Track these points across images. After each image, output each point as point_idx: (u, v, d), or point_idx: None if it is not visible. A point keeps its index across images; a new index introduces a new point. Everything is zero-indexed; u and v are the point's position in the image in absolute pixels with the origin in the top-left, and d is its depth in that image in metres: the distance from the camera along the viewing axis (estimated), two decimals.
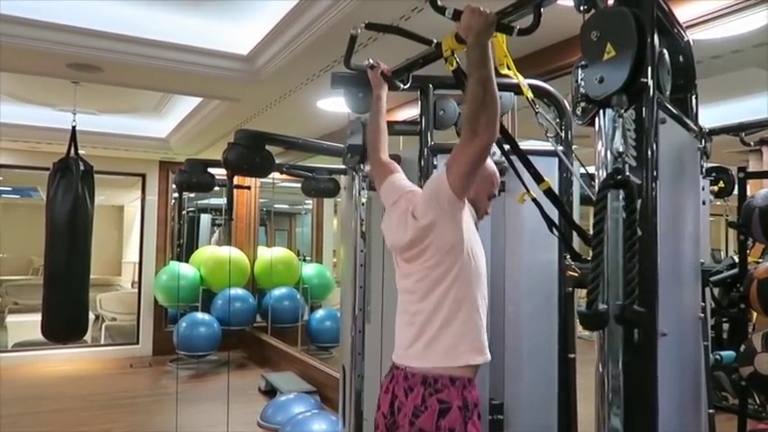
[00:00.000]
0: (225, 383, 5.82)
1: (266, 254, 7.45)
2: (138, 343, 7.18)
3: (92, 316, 6.20)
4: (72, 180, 4.21)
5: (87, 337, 6.99)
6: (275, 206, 10.23)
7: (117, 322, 7.80)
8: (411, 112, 3.88)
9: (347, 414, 3.44)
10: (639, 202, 1.25)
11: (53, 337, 4.22)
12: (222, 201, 10.91)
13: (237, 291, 6.68)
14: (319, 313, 6.80)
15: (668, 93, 1.74)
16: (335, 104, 4.34)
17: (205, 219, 12.19)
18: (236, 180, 5.35)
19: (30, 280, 10.39)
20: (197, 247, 8.12)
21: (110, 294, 8.33)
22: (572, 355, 2.16)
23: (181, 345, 6.18)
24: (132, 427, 4.56)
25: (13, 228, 11.01)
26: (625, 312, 1.12)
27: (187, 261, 7.15)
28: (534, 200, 2.00)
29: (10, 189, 10.79)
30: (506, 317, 2.31)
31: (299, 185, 4.28)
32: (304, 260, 8.19)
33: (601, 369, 1.35)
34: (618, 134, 1.21)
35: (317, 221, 9.04)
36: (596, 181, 1.35)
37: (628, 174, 1.18)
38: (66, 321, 4.15)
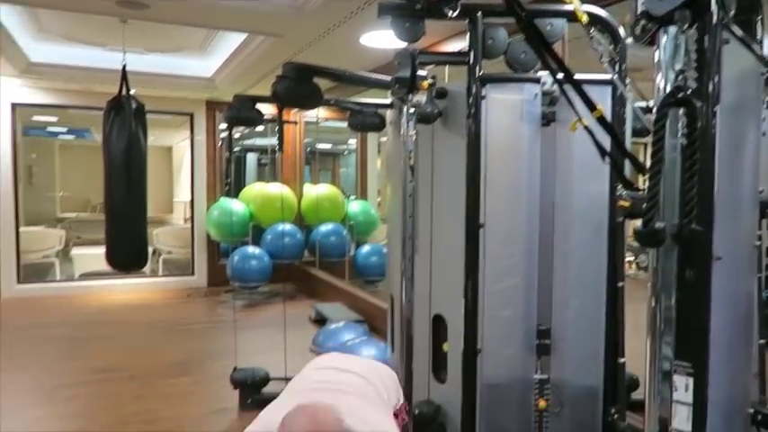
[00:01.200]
0: (277, 313, 6.08)
1: (312, 191, 7.58)
2: (193, 274, 7.56)
3: (150, 249, 6.53)
4: (126, 118, 4.33)
5: (146, 269, 7.38)
6: (319, 146, 10.31)
7: (173, 255, 8.17)
8: (458, 44, 3.81)
9: (396, 340, 3.58)
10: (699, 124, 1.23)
11: (117, 267, 4.47)
12: (267, 141, 11.09)
13: (286, 226, 6.87)
14: (365, 248, 6.96)
15: (732, 13, 1.66)
16: (379, 40, 4.28)
17: (251, 158, 12.45)
18: (284, 115, 5.41)
19: (89, 216, 10.93)
20: (244, 185, 8.33)
21: (165, 229, 8.69)
22: (621, 284, 2.18)
23: (234, 276, 6.46)
24: (193, 350, 4.86)
25: (70, 168, 11.48)
26: (683, 231, 1.12)
27: (236, 198, 7.36)
28: (586, 128, 1.98)
29: (65, 130, 11.17)
30: (555, 247, 2.34)
31: (343, 125, 4.30)
32: (348, 198, 8.31)
33: (654, 301, 1.37)
34: (680, 53, 1.18)
35: (361, 160, 9.09)
36: (654, 102, 1.33)
37: (690, 91, 1.15)
38: (128, 252, 4.39)
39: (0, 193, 6.64)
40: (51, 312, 6.15)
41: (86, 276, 7.57)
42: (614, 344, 2.20)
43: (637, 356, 2.38)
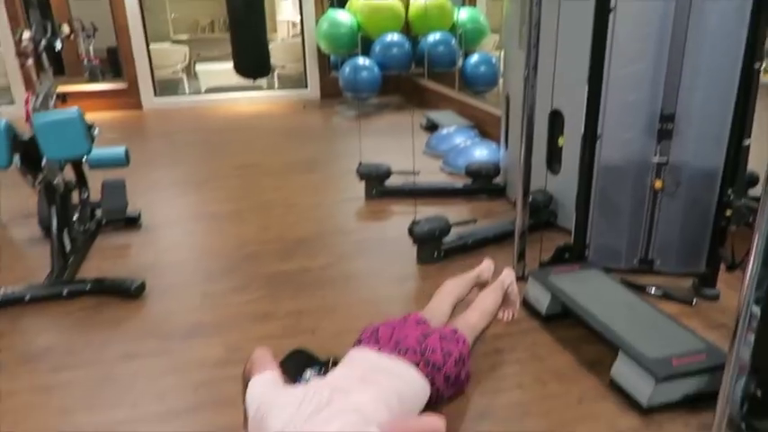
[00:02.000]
0: (388, 121, 6.37)
1: None
2: (306, 87, 7.88)
3: None
4: None
5: (263, 83, 7.79)
6: None
7: (286, 71, 8.47)
8: None
9: (511, 138, 3.72)
10: None
11: (244, 74, 4.81)
12: None
13: (393, 37, 6.82)
14: (474, 58, 6.83)
15: None
16: None
17: None
18: None
19: (201, 36, 11.29)
20: None
21: (277, 44, 8.91)
22: (757, 65, 2.11)
23: (346, 88, 6.68)
24: (317, 151, 5.29)
25: None
26: None
27: (343, 9, 7.29)
28: None
29: None
30: (689, 29, 2.26)
31: None
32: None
33: None
34: None
35: None
36: None
37: None
38: (253, 59, 4.67)
39: (128, 12, 7.02)
40: (186, 122, 6.79)
41: (212, 90, 8.14)
42: (741, 125, 2.20)
43: (756, 159, 2.37)
